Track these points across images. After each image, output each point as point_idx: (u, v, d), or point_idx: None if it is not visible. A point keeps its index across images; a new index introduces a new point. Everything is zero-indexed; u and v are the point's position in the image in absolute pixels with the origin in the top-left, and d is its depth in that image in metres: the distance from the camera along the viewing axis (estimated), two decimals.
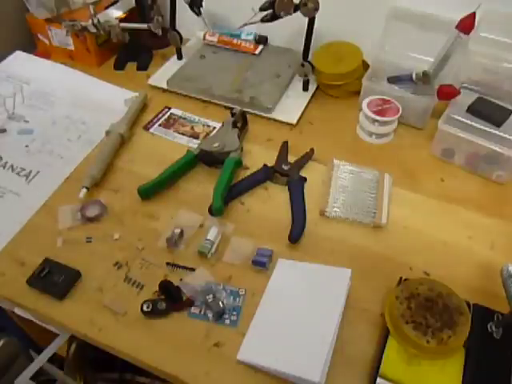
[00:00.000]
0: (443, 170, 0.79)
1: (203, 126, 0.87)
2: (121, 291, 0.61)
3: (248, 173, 0.77)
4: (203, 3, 0.91)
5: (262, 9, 0.80)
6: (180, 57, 1.01)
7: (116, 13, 1.00)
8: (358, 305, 0.60)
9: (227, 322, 0.58)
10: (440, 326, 0.52)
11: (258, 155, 0.80)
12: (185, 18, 0.95)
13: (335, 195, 0.72)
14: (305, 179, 0.75)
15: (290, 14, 0.79)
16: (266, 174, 0.76)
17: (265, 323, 0.57)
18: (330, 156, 0.79)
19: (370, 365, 0.54)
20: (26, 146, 0.82)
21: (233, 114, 0.82)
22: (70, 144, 0.83)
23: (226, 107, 0.90)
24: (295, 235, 0.66)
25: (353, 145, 0.84)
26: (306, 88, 0.93)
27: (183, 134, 0.85)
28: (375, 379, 0.51)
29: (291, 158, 0.78)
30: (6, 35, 1.02)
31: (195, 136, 0.85)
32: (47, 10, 0.96)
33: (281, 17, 0.79)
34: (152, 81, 0.96)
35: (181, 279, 0.62)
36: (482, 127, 0.75)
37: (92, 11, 0.91)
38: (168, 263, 0.64)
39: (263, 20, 0.81)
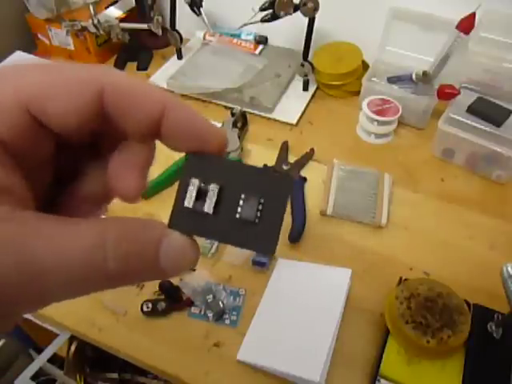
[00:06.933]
0: (443, 170, 0.79)
1: None
2: (121, 291, 0.61)
3: None
4: (203, 3, 0.91)
5: (261, 9, 0.80)
6: (180, 57, 1.01)
7: (116, 13, 1.00)
8: (358, 305, 0.60)
9: (227, 322, 0.58)
10: (440, 326, 0.52)
11: (258, 155, 0.80)
12: (185, 18, 0.95)
13: (335, 195, 0.72)
14: (305, 179, 0.75)
15: (290, 13, 0.79)
16: None
17: (265, 323, 0.57)
18: (330, 156, 0.79)
19: (370, 365, 0.54)
20: None
21: (233, 114, 0.82)
22: None
23: (226, 107, 0.90)
24: (295, 235, 0.66)
25: (353, 145, 0.84)
26: (306, 88, 0.93)
27: None
28: (375, 379, 0.52)
29: (291, 158, 0.78)
30: (6, 35, 1.02)
31: None
32: (47, 10, 0.96)
33: (281, 17, 0.79)
34: (152, 81, 0.96)
35: (181, 279, 0.62)
36: (482, 127, 0.75)
37: (92, 11, 0.91)
38: None
39: (263, 20, 0.81)
